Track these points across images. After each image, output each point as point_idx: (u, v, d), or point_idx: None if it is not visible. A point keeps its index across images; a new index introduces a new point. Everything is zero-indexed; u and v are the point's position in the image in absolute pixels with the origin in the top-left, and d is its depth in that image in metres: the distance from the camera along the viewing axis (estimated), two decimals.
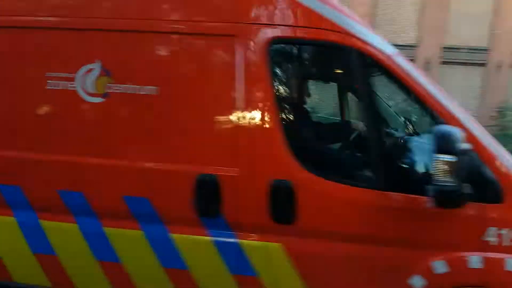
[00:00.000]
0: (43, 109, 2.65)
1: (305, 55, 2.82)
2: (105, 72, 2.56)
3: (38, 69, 2.61)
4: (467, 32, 14.90)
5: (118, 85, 2.55)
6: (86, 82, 2.57)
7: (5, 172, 2.65)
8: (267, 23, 2.46)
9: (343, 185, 2.40)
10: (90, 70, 2.57)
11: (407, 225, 2.37)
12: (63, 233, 2.63)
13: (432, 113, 2.37)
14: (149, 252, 2.56)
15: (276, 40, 2.46)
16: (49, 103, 2.64)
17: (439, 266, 2.35)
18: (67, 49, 2.62)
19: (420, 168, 2.43)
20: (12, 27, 2.63)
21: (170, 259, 2.55)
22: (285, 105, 2.58)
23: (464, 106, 2.67)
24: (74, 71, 2.58)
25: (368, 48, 2.40)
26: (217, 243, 2.51)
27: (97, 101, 2.57)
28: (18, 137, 2.65)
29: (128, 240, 2.58)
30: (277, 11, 2.47)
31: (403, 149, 2.71)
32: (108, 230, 2.59)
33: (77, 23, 2.58)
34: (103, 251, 2.59)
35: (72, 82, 2.58)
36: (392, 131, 3.06)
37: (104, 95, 2.56)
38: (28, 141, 2.63)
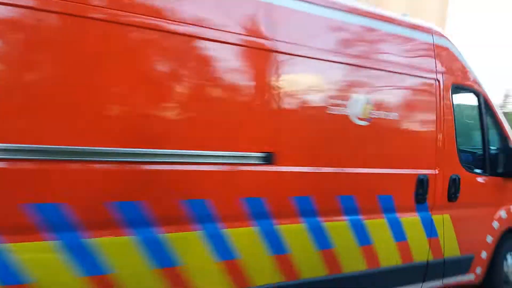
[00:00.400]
0: (325, 129, 3.17)
1: (464, 95, 4.22)
2: (372, 103, 3.32)
3: (321, 97, 3.12)
4: None
5: (379, 112, 3.36)
6: (354, 108, 3.26)
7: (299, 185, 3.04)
8: (449, 73, 3.81)
9: (480, 175, 4.08)
10: (359, 100, 3.27)
11: (495, 191, 4.26)
12: (339, 229, 3.26)
13: (503, 132, 4.30)
14: (389, 233, 3.53)
15: (454, 85, 3.84)
16: (327, 123, 3.17)
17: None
18: (341, 81, 3.21)
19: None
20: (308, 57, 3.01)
21: (399, 235, 3.60)
22: (458, 130, 3.98)
23: None
24: (345, 98, 3.22)
25: (485, 93, 4.10)
26: (422, 220, 3.74)
27: (363, 124, 3.30)
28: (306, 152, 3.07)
29: (378, 226, 3.47)
30: (452, 66, 3.86)
31: (502, 155, 4.38)
32: (367, 222, 3.40)
33: (331, 59, 3.20)
34: (363, 238, 3.39)
35: (341, 108, 3.21)
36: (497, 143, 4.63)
37: (368, 119, 3.32)
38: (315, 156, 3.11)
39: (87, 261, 2.29)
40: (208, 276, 2.69)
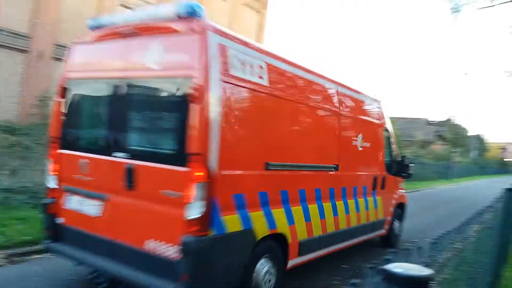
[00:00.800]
0: (352, 151, 6.20)
1: (390, 134, 7.62)
2: (363, 138, 6.48)
3: (351, 135, 6.17)
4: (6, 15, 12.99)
5: (365, 143, 6.54)
6: (358, 141, 6.38)
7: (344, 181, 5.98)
8: (383, 121, 7.34)
9: (390, 175, 7.68)
10: (359, 137, 6.40)
11: (394, 183, 7.96)
12: (352, 205, 6.29)
13: (394, 150, 8.06)
14: (364, 206, 6.72)
15: (383, 127, 7.36)
16: (352, 149, 6.20)
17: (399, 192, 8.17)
18: (356, 128, 6.31)
19: (401, 170, 8.01)
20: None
21: (367, 207, 6.81)
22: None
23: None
24: (357, 136, 6.32)
25: (389, 129, 7.77)
26: (373, 199, 7.06)
27: (361, 149, 6.44)
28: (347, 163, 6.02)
29: (362, 203, 6.61)
30: (383, 117, 7.39)
31: (397, 164, 8.06)
32: (359, 200, 6.51)
33: (354, 116, 6.33)
34: (358, 208, 6.49)
35: (356, 141, 6.30)
36: (393, 157, 8.18)
37: (362, 147, 6.48)
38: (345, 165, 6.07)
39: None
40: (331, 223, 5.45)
